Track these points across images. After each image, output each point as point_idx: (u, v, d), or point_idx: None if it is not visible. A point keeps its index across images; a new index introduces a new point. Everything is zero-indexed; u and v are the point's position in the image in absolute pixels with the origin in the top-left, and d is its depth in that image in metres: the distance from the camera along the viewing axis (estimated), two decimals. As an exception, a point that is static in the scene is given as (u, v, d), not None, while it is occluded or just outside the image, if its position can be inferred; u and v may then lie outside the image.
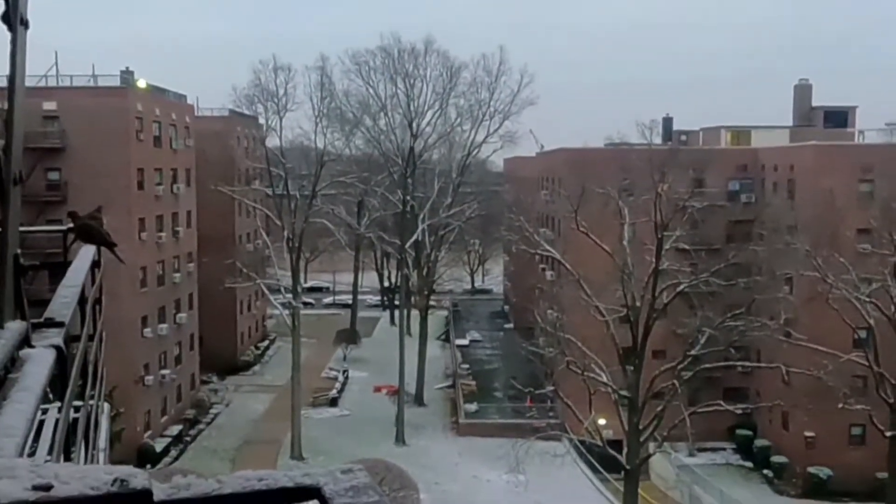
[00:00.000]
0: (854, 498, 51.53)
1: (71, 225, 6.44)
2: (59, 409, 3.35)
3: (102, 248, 6.45)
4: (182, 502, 1.52)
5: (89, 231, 6.14)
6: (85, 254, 5.53)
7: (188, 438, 58.87)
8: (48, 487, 1.46)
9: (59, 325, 3.09)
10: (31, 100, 51.56)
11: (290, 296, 60.75)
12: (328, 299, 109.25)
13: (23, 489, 1.42)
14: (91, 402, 5.60)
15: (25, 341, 2.77)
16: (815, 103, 76.66)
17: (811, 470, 53.89)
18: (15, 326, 2.68)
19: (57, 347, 2.77)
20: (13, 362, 2.51)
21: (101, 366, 6.48)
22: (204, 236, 65.29)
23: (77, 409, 4.79)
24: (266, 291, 65.17)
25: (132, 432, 51.01)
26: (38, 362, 2.49)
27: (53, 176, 52.95)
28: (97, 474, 1.49)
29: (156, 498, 1.50)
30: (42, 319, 3.17)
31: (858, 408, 47.62)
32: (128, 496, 1.46)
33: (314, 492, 1.57)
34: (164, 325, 57.70)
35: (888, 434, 45.80)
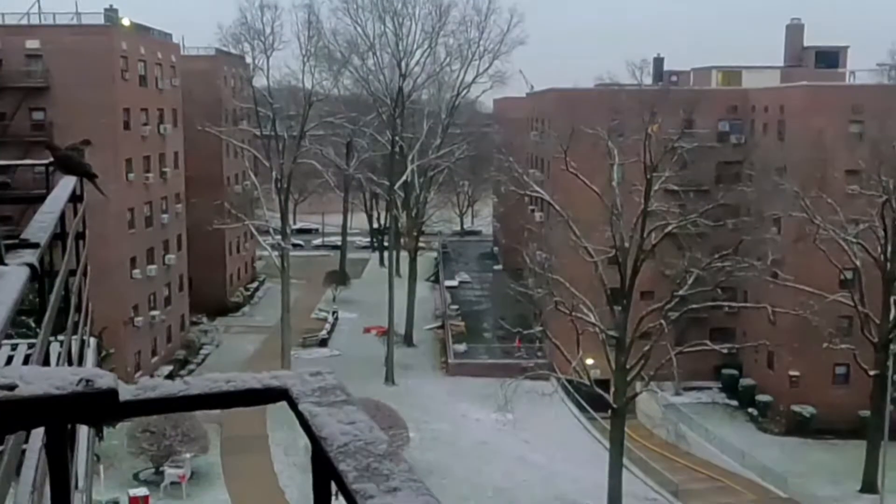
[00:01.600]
0: (836, 435, 52.33)
1: (52, 159, 6.39)
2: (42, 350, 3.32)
3: (86, 184, 6.42)
4: (148, 402, 1.52)
5: (68, 163, 6.11)
6: (65, 184, 5.49)
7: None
8: (12, 387, 1.45)
9: (34, 245, 3.07)
10: (14, 38, 50.71)
11: (279, 237, 60.66)
12: (317, 241, 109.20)
13: (-14, 388, 1.42)
14: (75, 335, 5.60)
15: (-2, 258, 2.74)
16: (806, 43, 76.05)
17: (795, 408, 54.66)
18: (-15, 242, 2.65)
19: (31, 266, 2.75)
20: (-16, 278, 2.49)
21: (87, 298, 6.48)
22: (192, 177, 64.87)
23: (62, 344, 4.79)
24: (255, 233, 64.98)
25: (122, 373, 51.28)
26: (11, 278, 2.48)
27: (38, 115, 52.30)
28: (62, 374, 1.49)
29: (122, 398, 1.50)
30: (17, 240, 3.14)
31: (843, 347, 48.18)
32: (93, 395, 1.45)
33: (282, 393, 1.57)
34: (152, 267, 57.64)
35: (872, 373, 46.44)
